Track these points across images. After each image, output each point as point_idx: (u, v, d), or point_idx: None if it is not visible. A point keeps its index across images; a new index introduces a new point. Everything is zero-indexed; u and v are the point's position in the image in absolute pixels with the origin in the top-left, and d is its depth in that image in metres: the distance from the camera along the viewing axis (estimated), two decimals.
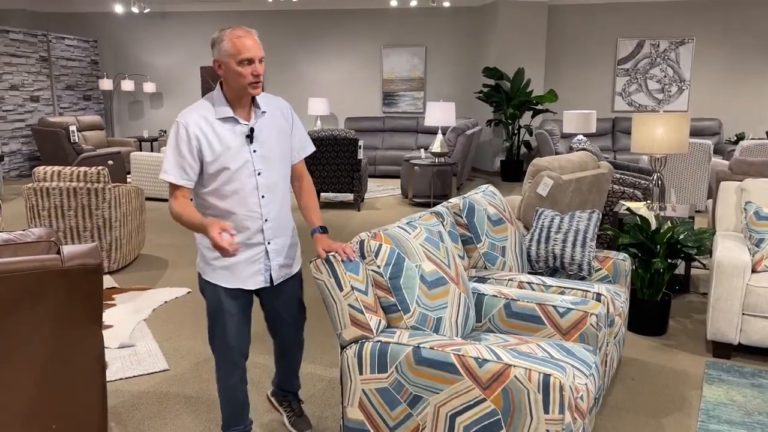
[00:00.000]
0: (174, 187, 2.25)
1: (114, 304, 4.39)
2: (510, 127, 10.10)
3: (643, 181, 6.02)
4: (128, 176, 8.97)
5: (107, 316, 4.14)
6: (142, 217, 5.57)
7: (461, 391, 2.11)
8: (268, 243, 2.39)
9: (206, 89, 12.16)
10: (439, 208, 3.11)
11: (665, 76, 10.65)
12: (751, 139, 9.39)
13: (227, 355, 2.45)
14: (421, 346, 2.19)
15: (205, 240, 2.33)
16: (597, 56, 10.82)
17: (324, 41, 11.62)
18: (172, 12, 11.98)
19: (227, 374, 2.49)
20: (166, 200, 8.38)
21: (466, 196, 3.26)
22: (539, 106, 10.06)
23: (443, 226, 2.91)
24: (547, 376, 2.00)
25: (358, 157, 7.62)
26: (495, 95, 10.09)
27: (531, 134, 10.26)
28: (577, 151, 7.73)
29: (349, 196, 8.44)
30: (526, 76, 10.04)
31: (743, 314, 3.45)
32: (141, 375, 3.34)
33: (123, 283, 4.92)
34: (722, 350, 3.57)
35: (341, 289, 2.28)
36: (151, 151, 11.45)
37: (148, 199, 8.33)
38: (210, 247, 2.32)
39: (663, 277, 3.86)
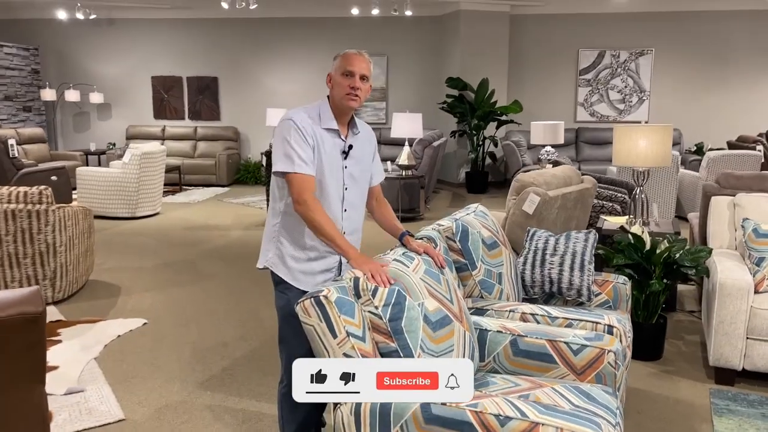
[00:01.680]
0: (300, 179, 2.19)
1: (59, 341, 3.93)
2: (475, 139, 9.92)
3: (618, 194, 5.87)
4: (74, 192, 8.41)
5: (51, 355, 3.68)
6: (91, 240, 5.10)
7: None
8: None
9: (158, 100, 11.62)
10: (430, 232, 2.82)
11: (626, 87, 10.68)
12: (710, 149, 9.44)
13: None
14: (430, 402, 1.87)
15: (301, 238, 2.29)
16: (559, 67, 10.78)
17: (282, 50, 11.25)
18: (120, 19, 11.41)
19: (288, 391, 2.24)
20: (116, 218, 7.85)
21: (457, 217, 2.97)
22: (503, 117, 9.92)
23: None
24: None
25: None
26: (459, 106, 9.90)
27: (496, 145, 10.11)
28: (546, 162, 7.59)
29: None
30: (489, 87, 9.88)
31: (747, 338, 3.26)
32: (92, 428, 2.92)
33: (70, 315, 4.44)
34: (725, 376, 3.37)
35: (335, 336, 1.95)
36: (99, 165, 10.82)
37: (96, 217, 7.78)
38: (298, 249, 2.30)
39: (658, 299, 3.66)
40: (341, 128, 2.34)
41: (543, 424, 1.76)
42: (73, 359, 3.64)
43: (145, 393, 3.28)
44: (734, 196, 3.99)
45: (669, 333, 4.08)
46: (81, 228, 4.85)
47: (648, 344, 3.67)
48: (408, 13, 10.00)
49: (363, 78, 2.27)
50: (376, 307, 2.02)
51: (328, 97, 2.35)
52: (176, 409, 3.11)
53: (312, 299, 1.97)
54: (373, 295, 2.03)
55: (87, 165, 10.24)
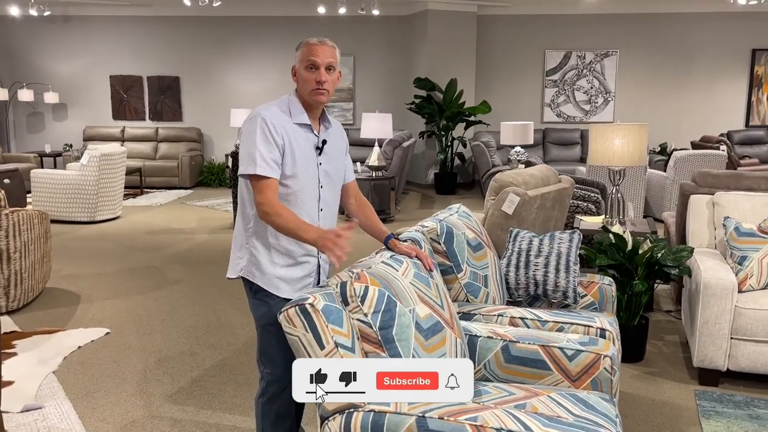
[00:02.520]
0: (263, 182, 2.04)
1: (14, 353, 3.67)
2: (443, 139, 9.85)
3: (592, 194, 5.85)
4: (28, 196, 8.03)
5: (6, 369, 3.43)
6: (48, 246, 4.82)
7: None
8: (321, 256, 2.22)
9: (117, 100, 11.24)
10: (413, 233, 2.69)
11: (591, 88, 10.76)
12: (674, 149, 9.57)
13: (283, 372, 2.10)
14: (426, 415, 1.75)
15: (276, 241, 2.13)
16: (526, 67, 10.80)
17: (247, 49, 11.00)
18: (77, 16, 11.00)
19: (275, 397, 2.19)
20: (74, 222, 7.52)
21: (441, 218, 2.85)
22: (472, 118, 9.88)
23: None
24: None
25: None
26: (427, 106, 9.82)
27: (465, 146, 10.06)
28: (518, 162, 7.55)
29: None
30: (458, 87, 9.83)
31: (732, 338, 3.23)
32: None
33: (25, 325, 4.18)
34: (710, 377, 3.33)
35: (322, 347, 1.81)
36: (55, 167, 10.40)
37: (53, 221, 7.44)
38: (274, 254, 2.13)
39: (640, 300, 3.60)
40: (313, 123, 2.20)
41: None
42: (30, 373, 3.40)
43: (108, 408, 3.07)
44: (711, 194, 3.98)
45: (648, 334, 4.04)
46: (37, 233, 4.58)
47: (630, 346, 3.61)
48: (375, 12, 9.88)
49: (329, 68, 2.12)
50: (366, 315, 1.88)
51: (295, 90, 2.22)
52: (143, 425, 2.92)
53: (297, 307, 1.82)
54: (362, 301, 1.89)
55: (42, 167, 9.82)
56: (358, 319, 1.88)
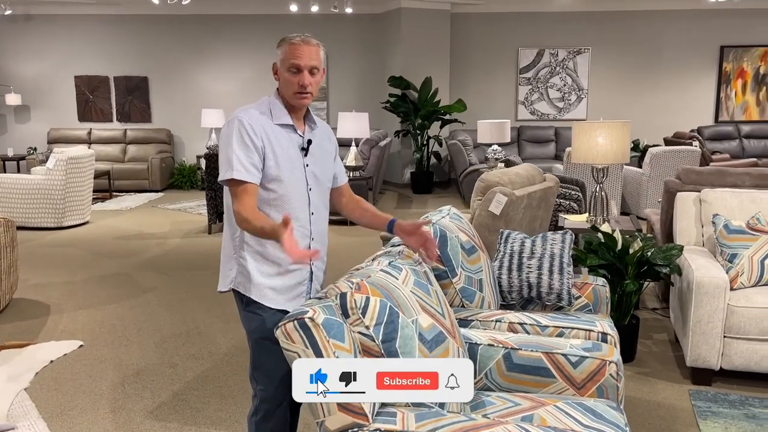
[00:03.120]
0: (240, 188, 1.94)
1: None
2: (419, 138, 9.78)
3: (572, 192, 5.82)
4: None
5: None
6: (14, 255, 4.60)
7: None
8: (313, 264, 2.13)
9: (83, 101, 10.91)
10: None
11: (565, 85, 10.79)
12: (647, 146, 9.64)
13: (277, 389, 2.03)
14: None
15: (263, 249, 2.01)
16: (499, 65, 10.78)
17: (217, 49, 10.76)
18: (39, 15, 10.64)
19: (269, 415, 2.08)
20: (41, 229, 7.25)
21: (434, 221, 2.76)
22: (447, 116, 9.82)
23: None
24: None
25: None
26: (402, 105, 9.73)
27: (441, 145, 10.00)
28: (495, 161, 7.51)
29: None
30: (432, 86, 9.76)
31: (725, 337, 3.20)
32: None
33: None
34: (703, 377, 3.30)
35: None
36: (18, 171, 10.05)
37: (18, 228, 7.16)
38: (263, 263, 2.02)
39: (631, 299, 3.57)
40: (297, 123, 2.09)
41: None
42: (0, 390, 3.22)
43: (86, 426, 2.91)
44: (696, 191, 3.96)
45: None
46: (2, 241, 4.36)
47: (622, 346, 3.55)
48: (348, 10, 9.76)
49: (313, 70, 2.01)
50: (367, 327, 1.78)
51: (277, 90, 2.10)
52: None
53: (295, 322, 1.71)
54: (363, 313, 1.78)
55: (4, 171, 9.47)
56: (359, 332, 1.78)
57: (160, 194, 10.01)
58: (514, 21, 10.63)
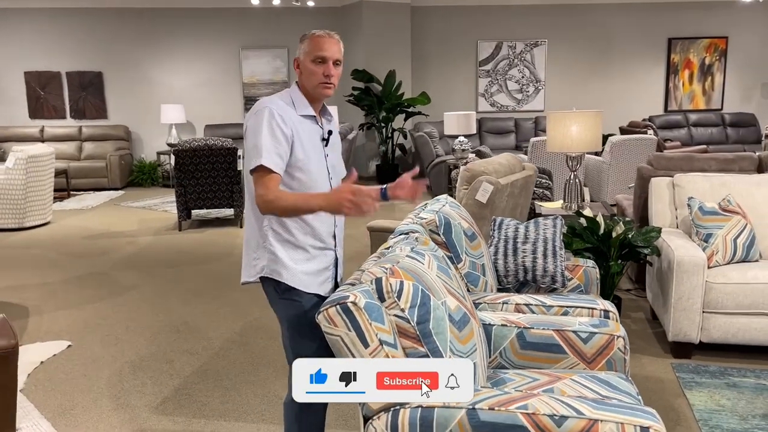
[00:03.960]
0: (267, 176, 1.94)
1: None
2: (384, 131, 9.86)
3: (543, 180, 6.01)
4: None
5: None
6: None
7: None
8: (337, 249, 2.19)
9: (33, 98, 10.55)
10: (412, 225, 2.68)
11: (523, 77, 11.05)
12: (603, 135, 9.98)
13: None
14: (477, 407, 1.74)
15: (291, 236, 2.05)
16: (460, 58, 10.95)
17: (176, 43, 10.56)
18: None
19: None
20: (1, 230, 7.01)
21: (437, 209, 2.85)
22: (411, 109, 9.93)
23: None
24: (645, 429, 1.65)
25: (238, 168, 6.90)
26: (366, 98, 9.79)
27: (405, 137, 10.10)
28: (462, 151, 7.65)
29: (227, 212, 7.66)
30: (396, 79, 9.85)
31: (704, 312, 3.40)
32: None
33: None
34: (683, 350, 3.50)
35: (366, 345, 1.77)
36: None
37: None
38: (291, 249, 2.05)
39: (614, 280, 3.74)
40: (316, 115, 2.15)
41: (602, 421, 1.67)
42: None
43: (92, 424, 2.89)
44: (667, 176, 4.17)
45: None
46: None
47: None
48: (310, 3, 9.74)
49: (336, 63, 2.10)
50: (403, 310, 1.85)
51: (296, 83, 2.16)
52: None
53: (338, 306, 1.77)
54: (399, 296, 1.85)
55: None
56: (395, 315, 1.85)
57: (121, 192, 9.80)
58: (473, 14, 10.81)
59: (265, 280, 2.08)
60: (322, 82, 2.07)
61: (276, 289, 2.07)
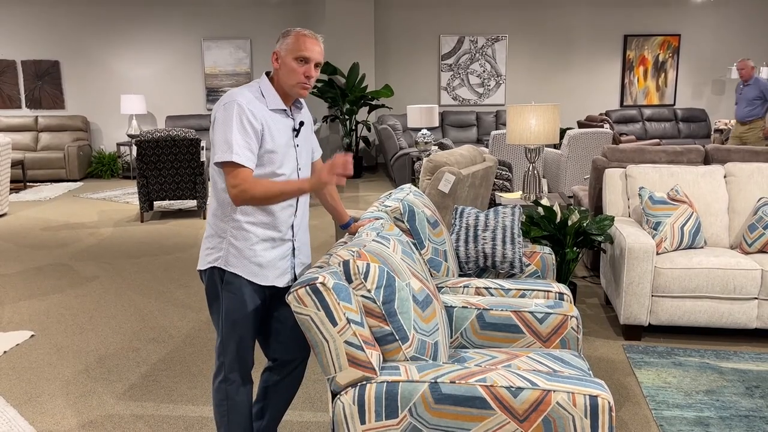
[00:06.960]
0: (238, 169, 2.00)
1: None
2: (347, 123, 9.92)
3: (503, 172, 6.18)
4: None
5: None
6: None
7: (493, 428, 1.81)
8: (295, 239, 2.24)
9: None
10: (377, 212, 2.76)
11: (484, 71, 11.23)
12: (561, 129, 10.25)
13: (243, 365, 2.22)
14: (439, 381, 1.85)
15: (251, 226, 2.11)
16: (422, 52, 11.06)
17: (135, 33, 10.41)
18: None
19: (237, 390, 2.22)
20: None
21: (401, 197, 2.94)
22: (375, 102, 10.01)
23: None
24: (594, 398, 1.78)
25: (201, 159, 6.89)
26: (329, 91, 9.83)
27: (369, 130, 10.18)
28: (425, 144, 7.77)
29: (190, 203, 7.63)
30: (359, 71, 9.91)
31: (653, 296, 3.59)
32: None
33: None
34: (634, 333, 3.69)
35: (335, 324, 1.85)
36: None
37: None
38: (254, 238, 2.12)
39: (570, 266, 3.90)
40: (287, 107, 2.18)
41: (554, 391, 1.80)
42: None
43: (59, 411, 2.91)
44: (620, 167, 4.36)
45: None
46: None
47: None
48: None
49: (317, 65, 2.11)
50: (369, 291, 1.94)
51: (267, 75, 2.17)
52: (104, 424, 2.79)
53: (307, 287, 1.85)
54: (365, 278, 1.94)
55: None
56: (362, 296, 1.94)
57: (80, 183, 9.64)
58: (435, 8, 10.93)
59: (214, 270, 2.13)
60: (301, 82, 2.09)
61: (223, 280, 2.12)
